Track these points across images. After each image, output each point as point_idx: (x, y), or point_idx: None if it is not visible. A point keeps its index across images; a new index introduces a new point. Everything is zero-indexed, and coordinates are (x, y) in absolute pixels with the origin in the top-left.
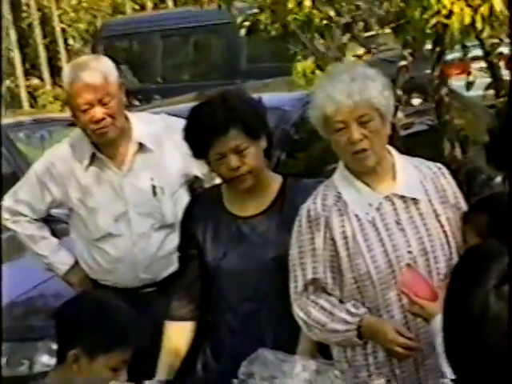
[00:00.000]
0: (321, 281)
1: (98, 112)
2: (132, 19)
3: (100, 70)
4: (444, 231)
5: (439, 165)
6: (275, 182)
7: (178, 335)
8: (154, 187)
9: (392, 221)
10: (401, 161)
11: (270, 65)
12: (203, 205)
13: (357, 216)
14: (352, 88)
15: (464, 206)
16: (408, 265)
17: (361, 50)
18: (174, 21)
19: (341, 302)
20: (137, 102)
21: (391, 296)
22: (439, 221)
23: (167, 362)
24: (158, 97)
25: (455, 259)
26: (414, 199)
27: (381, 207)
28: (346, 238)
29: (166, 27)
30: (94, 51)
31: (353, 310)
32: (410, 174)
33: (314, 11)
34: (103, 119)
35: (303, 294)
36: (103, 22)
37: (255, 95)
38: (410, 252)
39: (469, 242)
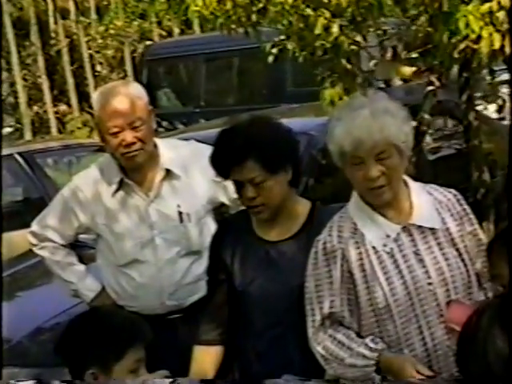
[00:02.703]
0: (338, 314)
1: (129, 136)
2: (177, 42)
3: (130, 96)
4: (462, 259)
5: (454, 191)
6: (304, 207)
7: (206, 359)
8: (180, 213)
9: (410, 252)
10: (416, 190)
11: (314, 89)
12: (232, 230)
13: (374, 248)
14: (372, 125)
15: (480, 233)
16: (449, 301)
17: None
18: (218, 44)
19: (358, 335)
20: (181, 126)
21: (411, 329)
22: (457, 249)
23: None
24: (202, 120)
25: (474, 287)
26: (431, 229)
27: (398, 238)
28: (364, 270)
29: (209, 50)
30: (138, 74)
31: (371, 344)
32: (426, 203)
33: (342, 37)
34: (133, 143)
35: (320, 329)
36: (148, 44)
37: (283, 120)
38: (429, 283)
39: (503, 274)
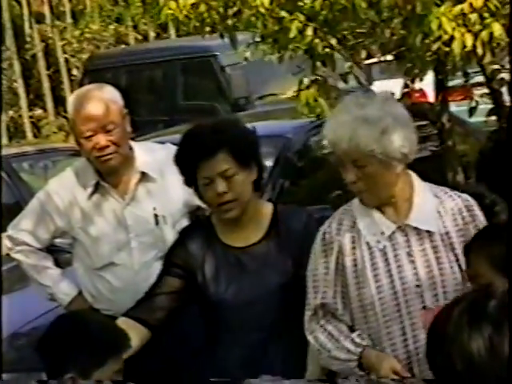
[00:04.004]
0: (330, 306)
1: (102, 139)
2: (112, 53)
3: (103, 99)
4: (459, 265)
5: (466, 197)
6: (266, 209)
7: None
8: (156, 216)
9: (403, 252)
10: (421, 191)
11: (203, 103)
12: (197, 237)
13: (368, 244)
14: (343, 133)
15: None
16: (424, 307)
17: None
18: (134, 56)
19: (351, 329)
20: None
21: (395, 329)
22: (455, 254)
23: None
24: None
25: None
26: (428, 231)
27: (393, 237)
28: (355, 265)
29: (128, 63)
30: (81, 84)
31: (357, 339)
32: (428, 206)
33: (316, 40)
34: (107, 146)
35: (313, 318)
36: (90, 55)
37: (259, 123)
38: (418, 286)
39: (482, 273)
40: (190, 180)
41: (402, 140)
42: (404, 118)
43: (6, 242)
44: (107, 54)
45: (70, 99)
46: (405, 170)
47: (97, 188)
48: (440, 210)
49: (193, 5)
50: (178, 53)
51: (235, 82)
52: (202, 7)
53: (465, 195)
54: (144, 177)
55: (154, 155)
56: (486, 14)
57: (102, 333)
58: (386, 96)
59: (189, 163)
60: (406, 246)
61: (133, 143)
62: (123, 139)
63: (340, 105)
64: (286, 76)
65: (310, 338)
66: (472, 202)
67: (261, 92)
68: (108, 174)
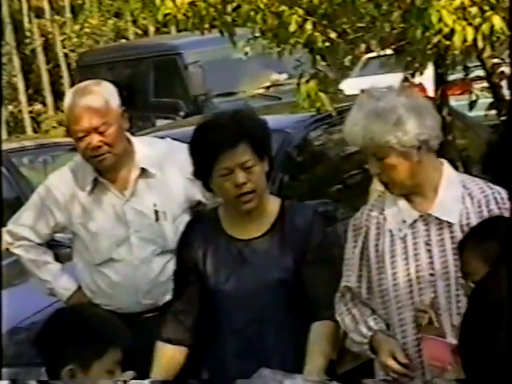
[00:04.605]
0: (354, 290)
1: (94, 140)
2: (101, 50)
3: (100, 96)
4: None
5: (497, 189)
6: (274, 204)
7: (175, 358)
8: (156, 212)
9: (422, 240)
10: (448, 181)
11: (167, 100)
12: (201, 229)
13: (390, 231)
14: (357, 131)
15: None
16: (420, 338)
17: None
18: (117, 53)
19: (374, 313)
20: None
21: (406, 316)
22: None
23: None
24: None
25: None
26: (448, 222)
27: (415, 225)
28: (377, 251)
29: (109, 60)
30: (74, 81)
31: (371, 323)
32: (452, 196)
33: (316, 34)
34: (99, 147)
35: (341, 300)
36: (81, 52)
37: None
38: (432, 274)
39: (477, 271)
40: (203, 172)
41: (417, 128)
42: (419, 106)
43: (6, 237)
44: (99, 50)
45: (67, 96)
46: (431, 157)
47: (96, 184)
48: (466, 200)
49: (190, 3)
50: (148, 51)
51: (194, 80)
52: (201, 5)
53: (498, 188)
54: (144, 172)
55: (153, 150)
56: (486, 7)
57: (101, 324)
58: (401, 86)
59: (208, 154)
60: (425, 235)
61: (133, 138)
62: (117, 138)
63: (357, 100)
64: (252, 74)
65: (338, 319)
66: (504, 195)
67: (224, 90)
68: (105, 171)
